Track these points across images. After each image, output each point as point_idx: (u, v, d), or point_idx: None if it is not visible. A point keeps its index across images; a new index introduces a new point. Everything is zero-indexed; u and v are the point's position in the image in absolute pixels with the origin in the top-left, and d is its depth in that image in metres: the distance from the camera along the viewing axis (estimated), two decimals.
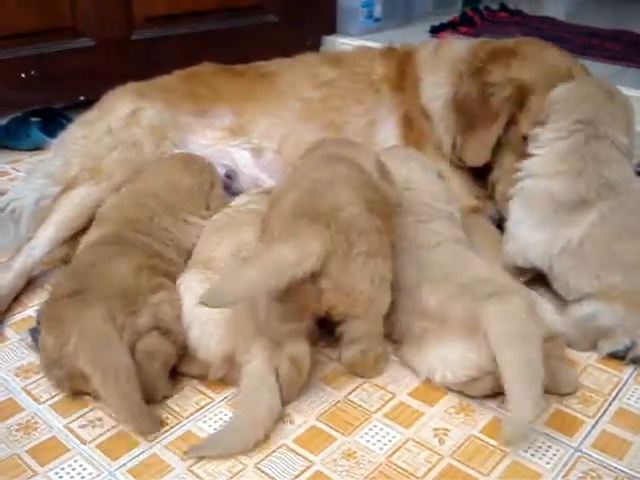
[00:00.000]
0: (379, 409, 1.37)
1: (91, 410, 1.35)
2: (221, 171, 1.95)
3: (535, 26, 3.68)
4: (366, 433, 1.31)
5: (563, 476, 1.22)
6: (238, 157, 1.99)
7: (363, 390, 1.42)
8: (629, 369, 1.48)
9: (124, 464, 1.23)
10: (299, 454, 1.26)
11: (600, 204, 1.53)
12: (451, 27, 3.57)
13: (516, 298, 1.32)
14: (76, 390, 1.36)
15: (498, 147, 1.83)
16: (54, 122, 2.51)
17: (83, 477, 1.21)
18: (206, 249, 1.53)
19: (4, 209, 1.90)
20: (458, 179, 1.89)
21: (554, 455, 1.26)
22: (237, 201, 1.74)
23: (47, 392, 1.40)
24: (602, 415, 1.36)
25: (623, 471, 1.23)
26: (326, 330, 1.46)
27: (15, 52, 2.47)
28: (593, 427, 1.33)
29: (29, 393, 1.40)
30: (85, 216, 1.76)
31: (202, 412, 1.36)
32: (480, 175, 1.90)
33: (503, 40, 1.96)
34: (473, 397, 1.38)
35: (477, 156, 1.84)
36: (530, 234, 1.60)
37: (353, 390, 1.42)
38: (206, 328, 1.34)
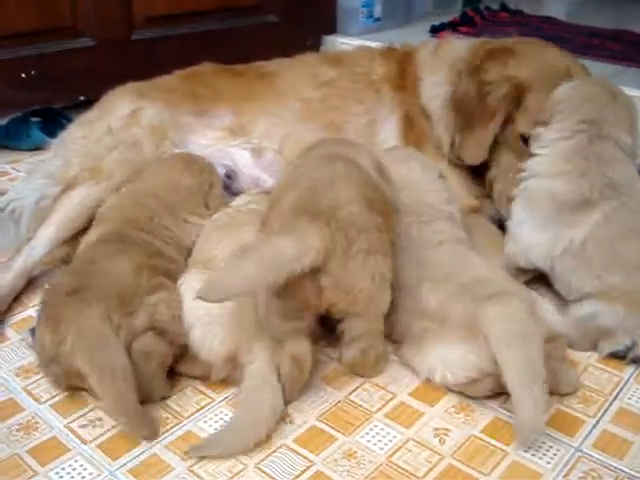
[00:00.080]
0: (380, 409, 1.37)
1: (91, 410, 1.35)
2: (221, 171, 1.95)
3: (536, 26, 3.68)
4: (367, 433, 1.31)
5: (564, 476, 1.22)
6: (238, 157, 1.99)
7: (364, 390, 1.42)
8: (630, 369, 1.48)
9: (124, 464, 1.23)
10: (299, 454, 1.26)
11: (603, 204, 1.53)
12: (451, 27, 3.57)
13: (516, 299, 1.32)
14: (73, 387, 1.36)
15: (495, 145, 1.83)
16: (54, 122, 2.51)
17: (84, 477, 1.21)
18: (206, 248, 1.53)
19: (4, 209, 1.90)
20: (457, 179, 1.89)
21: (555, 455, 1.26)
22: (237, 201, 1.74)
23: (47, 392, 1.40)
24: (603, 415, 1.36)
25: (624, 471, 1.23)
26: (327, 329, 1.46)
27: (15, 52, 2.46)
28: (594, 427, 1.33)
29: (29, 393, 1.40)
30: (85, 216, 1.76)
31: (202, 412, 1.36)
32: (479, 174, 1.90)
33: (503, 39, 1.96)
34: (473, 397, 1.38)
35: (475, 154, 1.84)
36: (532, 235, 1.60)
37: (354, 390, 1.42)
38: (209, 329, 1.34)
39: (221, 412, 1.36)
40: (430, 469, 1.23)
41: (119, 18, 2.69)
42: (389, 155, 1.77)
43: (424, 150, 1.92)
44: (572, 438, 1.30)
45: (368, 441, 1.29)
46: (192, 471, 1.22)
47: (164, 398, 1.37)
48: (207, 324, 1.35)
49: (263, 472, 1.22)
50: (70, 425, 1.32)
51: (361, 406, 1.38)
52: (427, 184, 1.68)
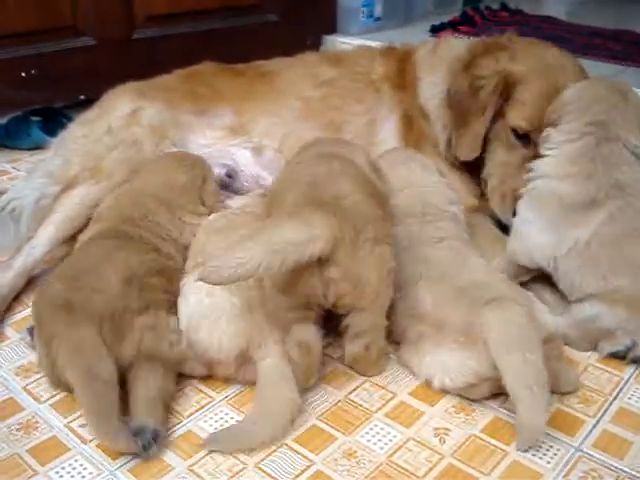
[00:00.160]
0: (380, 409, 1.37)
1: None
2: (221, 170, 1.95)
3: (536, 25, 3.68)
4: (367, 432, 1.31)
5: (564, 476, 1.22)
6: (238, 156, 1.99)
7: (364, 390, 1.42)
8: (630, 369, 1.48)
9: (124, 463, 1.23)
10: (300, 453, 1.26)
11: (609, 204, 1.53)
12: (451, 26, 3.56)
13: (515, 304, 1.32)
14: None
15: (488, 142, 1.83)
16: (54, 121, 2.51)
17: (84, 476, 1.21)
18: (207, 251, 1.52)
19: (4, 208, 1.90)
20: (457, 178, 1.89)
21: (555, 455, 1.26)
22: (234, 203, 1.73)
23: (47, 391, 1.40)
24: (603, 415, 1.36)
25: (624, 471, 1.23)
26: (327, 329, 1.46)
27: (15, 51, 2.46)
28: (594, 427, 1.33)
29: (29, 392, 1.40)
30: (85, 215, 1.76)
31: (203, 411, 1.36)
32: (478, 174, 1.90)
33: (500, 37, 1.96)
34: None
35: (468, 150, 1.84)
36: (538, 235, 1.59)
37: (354, 390, 1.42)
38: (217, 326, 1.33)
39: (221, 411, 1.35)
40: (430, 469, 1.23)
41: (119, 17, 2.69)
42: (389, 157, 1.77)
43: (424, 150, 1.93)
44: (572, 438, 1.30)
45: (368, 440, 1.29)
46: (192, 470, 1.22)
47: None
48: (215, 321, 1.34)
49: (263, 471, 1.22)
50: (70, 424, 1.32)
51: (361, 405, 1.38)
52: (428, 185, 1.68)
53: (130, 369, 1.31)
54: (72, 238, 1.74)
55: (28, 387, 1.42)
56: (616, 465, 1.24)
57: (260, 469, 1.22)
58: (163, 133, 1.92)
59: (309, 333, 1.36)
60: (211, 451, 1.26)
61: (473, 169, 1.89)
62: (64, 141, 1.96)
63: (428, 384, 1.40)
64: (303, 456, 1.25)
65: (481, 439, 1.29)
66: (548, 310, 1.57)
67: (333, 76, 2.06)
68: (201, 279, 1.24)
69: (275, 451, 1.26)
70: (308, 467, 1.23)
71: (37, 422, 1.33)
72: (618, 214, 1.52)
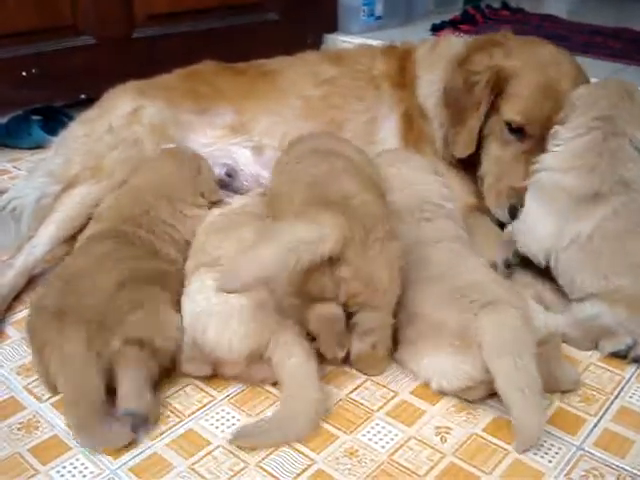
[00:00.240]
0: (381, 407, 1.37)
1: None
2: (221, 170, 1.96)
3: (536, 24, 3.68)
4: (368, 431, 1.31)
5: (565, 474, 1.22)
6: (239, 155, 1.99)
7: (365, 388, 1.42)
8: (631, 368, 1.48)
9: (125, 462, 1.23)
10: (301, 452, 1.26)
11: (613, 199, 1.53)
12: (452, 25, 3.57)
13: (510, 307, 1.32)
14: None
15: (483, 138, 1.83)
16: (55, 120, 2.51)
17: (85, 476, 1.21)
18: (209, 250, 1.52)
19: (5, 207, 1.90)
20: (456, 177, 1.89)
21: (556, 453, 1.26)
22: (234, 203, 1.73)
23: (48, 391, 1.39)
24: (604, 413, 1.36)
25: (625, 469, 1.23)
26: None
27: (16, 50, 2.46)
28: (595, 425, 1.33)
29: (30, 392, 1.40)
30: (86, 215, 1.76)
31: (204, 410, 1.36)
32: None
33: (493, 34, 1.96)
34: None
35: (463, 147, 1.84)
36: (539, 226, 1.60)
37: (355, 389, 1.42)
38: (227, 326, 1.33)
39: (222, 410, 1.35)
40: (431, 467, 1.23)
41: (120, 16, 2.69)
42: (385, 157, 1.78)
43: (423, 149, 1.93)
44: (574, 437, 1.30)
45: (369, 439, 1.29)
46: (193, 469, 1.22)
47: (166, 397, 1.37)
48: (225, 321, 1.33)
49: (264, 470, 1.22)
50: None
51: (362, 404, 1.38)
52: (425, 183, 1.68)
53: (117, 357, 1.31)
54: (73, 237, 1.74)
55: (29, 386, 1.42)
56: (617, 464, 1.24)
57: (261, 468, 1.22)
58: (164, 132, 1.92)
59: (330, 308, 1.35)
60: (212, 450, 1.26)
61: (471, 168, 1.89)
62: (65, 140, 1.96)
63: (428, 383, 1.40)
64: (304, 455, 1.25)
65: (482, 438, 1.29)
66: (543, 310, 1.56)
67: (334, 75, 2.06)
68: (221, 288, 1.24)
69: (276, 450, 1.26)
70: (309, 466, 1.23)
71: (38, 421, 1.33)
72: (621, 210, 1.52)
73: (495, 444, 1.28)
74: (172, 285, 1.47)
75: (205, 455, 1.25)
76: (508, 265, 1.68)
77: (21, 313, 1.64)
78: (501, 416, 1.33)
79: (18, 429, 1.31)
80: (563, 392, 1.39)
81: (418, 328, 1.39)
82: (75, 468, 1.22)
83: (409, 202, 1.62)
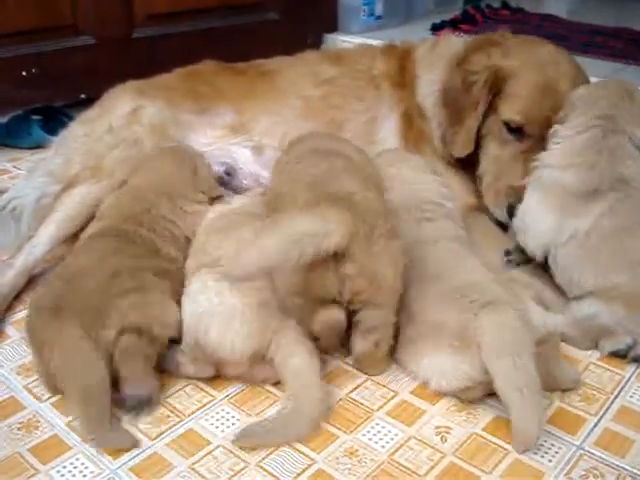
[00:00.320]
0: (381, 407, 1.37)
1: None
2: (220, 168, 1.95)
3: (536, 24, 3.68)
4: (368, 431, 1.31)
5: (565, 474, 1.22)
6: (239, 155, 1.99)
7: (365, 388, 1.42)
8: (631, 367, 1.48)
9: (126, 462, 1.23)
10: (301, 452, 1.26)
11: (610, 196, 1.54)
12: (452, 25, 3.56)
13: (509, 308, 1.32)
14: None
15: (482, 138, 1.83)
16: (55, 120, 2.51)
17: (85, 475, 1.21)
18: (209, 250, 1.52)
19: (5, 207, 1.90)
20: (456, 177, 1.89)
21: (556, 453, 1.26)
22: (234, 203, 1.73)
23: (48, 391, 1.39)
24: (604, 413, 1.36)
25: (625, 469, 1.23)
26: None
27: (16, 50, 2.46)
28: (595, 425, 1.33)
29: (30, 391, 1.40)
30: (86, 214, 1.76)
31: (204, 410, 1.36)
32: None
33: (497, 33, 1.96)
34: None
35: (462, 146, 1.84)
36: (538, 221, 1.61)
37: (355, 388, 1.42)
38: (229, 327, 1.33)
39: (222, 410, 1.35)
40: (432, 467, 1.23)
41: (120, 16, 2.69)
42: (384, 157, 1.78)
43: (423, 148, 1.93)
44: (574, 436, 1.30)
45: (370, 439, 1.29)
46: (193, 469, 1.22)
47: (166, 395, 1.37)
48: (227, 322, 1.33)
49: (265, 470, 1.22)
50: (71, 423, 1.32)
51: (362, 404, 1.37)
52: (423, 182, 1.69)
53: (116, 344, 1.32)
54: (73, 237, 1.74)
55: (29, 386, 1.42)
56: (617, 463, 1.24)
57: (261, 468, 1.22)
58: (164, 132, 1.92)
59: (334, 313, 1.36)
60: (212, 450, 1.26)
61: (470, 168, 1.89)
62: (65, 140, 1.96)
63: (427, 383, 1.40)
64: (304, 455, 1.25)
65: (482, 437, 1.29)
66: (542, 310, 1.56)
67: (334, 75, 2.06)
68: (225, 276, 1.23)
69: (276, 450, 1.26)
70: (309, 466, 1.23)
71: (38, 421, 1.33)
72: (620, 207, 1.53)
73: (495, 444, 1.28)
74: (173, 283, 1.47)
75: (205, 455, 1.25)
76: (508, 253, 1.69)
77: (21, 313, 1.64)
78: (501, 416, 1.33)
79: (18, 429, 1.31)
80: (563, 391, 1.40)
81: (417, 328, 1.39)
82: (75, 468, 1.22)
83: (408, 201, 1.63)
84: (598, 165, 1.57)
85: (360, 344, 1.40)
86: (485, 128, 1.82)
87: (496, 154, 1.81)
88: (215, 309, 1.35)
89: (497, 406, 1.34)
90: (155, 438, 1.28)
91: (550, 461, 1.24)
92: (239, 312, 1.33)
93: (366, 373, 1.45)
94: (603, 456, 1.25)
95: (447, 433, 1.30)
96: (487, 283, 1.41)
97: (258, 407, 1.36)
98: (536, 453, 1.25)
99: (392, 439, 1.29)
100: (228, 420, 1.33)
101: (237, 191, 1.90)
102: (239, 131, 2.00)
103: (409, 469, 1.22)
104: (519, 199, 1.70)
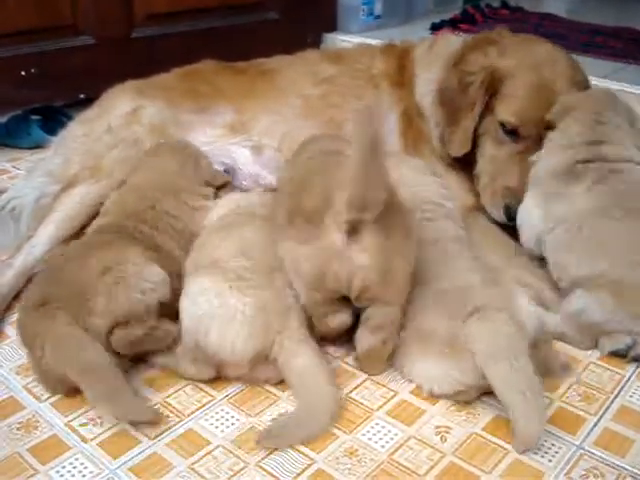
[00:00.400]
0: (381, 407, 1.37)
1: (92, 408, 1.35)
2: (220, 168, 1.95)
3: (536, 23, 3.67)
4: (368, 431, 1.31)
5: (565, 474, 1.21)
6: (238, 154, 1.99)
7: (365, 388, 1.42)
8: (631, 367, 1.48)
9: (125, 462, 1.23)
10: (301, 452, 1.25)
11: (588, 176, 1.59)
12: (452, 24, 3.56)
13: (500, 313, 1.33)
14: (73, 389, 1.35)
15: (479, 137, 1.83)
16: (54, 120, 2.51)
17: (84, 475, 1.21)
18: (208, 252, 1.51)
19: (4, 207, 1.90)
20: (455, 177, 1.89)
21: (556, 453, 1.26)
22: (241, 201, 1.72)
23: (47, 391, 1.39)
24: (604, 413, 1.36)
25: (625, 469, 1.23)
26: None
27: (15, 50, 2.46)
28: (595, 425, 1.33)
29: (30, 391, 1.40)
30: (85, 214, 1.76)
31: (203, 410, 1.35)
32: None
33: (494, 31, 1.95)
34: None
35: (459, 146, 1.84)
36: (532, 212, 1.65)
37: (355, 388, 1.41)
38: (229, 328, 1.32)
39: (222, 410, 1.35)
40: (431, 467, 1.23)
41: (119, 16, 2.69)
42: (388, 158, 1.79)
43: (422, 147, 1.93)
44: (574, 436, 1.30)
45: (369, 439, 1.29)
46: (193, 469, 1.22)
47: (166, 396, 1.37)
48: (227, 323, 1.32)
49: (264, 470, 1.22)
50: (71, 423, 1.32)
51: (362, 404, 1.37)
52: (423, 183, 1.69)
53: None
54: (72, 237, 1.74)
55: (28, 386, 1.41)
56: (617, 463, 1.24)
57: (261, 467, 1.22)
58: (164, 132, 1.92)
59: (342, 316, 1.39)
60: (212, 450, 1.26)
61: (469, 168, 1.89)
62: (64, 140, 1.96)
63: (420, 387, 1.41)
64: (304, 454, 1.25)
65: (482, 437, 1.29)
66: (542, 310, 1.56)
67: (333, 74, 2.06)
68: None
69: (276, 449, 1.25)
70: (309, 465, 1.23)
71: (37, 421, 1.32)
72: (601, 191, 1.57)
73: (495, 443, 1.28)
74: (171, 278, 1.48)
75: (205, 455, 1.25)
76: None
77: None
78: (501, 415, 1.33)
79: (17, 429, 1.30)
80: (561, 379, 1.41)
81: (409, 333, 1.40)
82: (75, 468, 1.22)
83: (408, 202, 1.62)
84: (582, 148, 1.63)
85: (367, 340, 1.40)
86: (482, 128, 1.82)
87: (492, 154, 1.81)
88: (215, 311, 1.34)
89: (497, 406, 1.34)
90: (154, 438, 1.28)
91: (550, 461, 1.24)
92: (239, 313, 1.33)
93: (366, 372, 1.45)
94: (603, 456, 1.25)
95: (447, 433, 1.30)
96: (477, 286, 1.41)
97: (258, 407, 1.36)
98: (536, 453, 1.25)
99: (392, 439, 1.29)
100: (228, 420, 1.33)
101: (236, 191, 1.89)
102: (239, 130, 2.00)
103: (409, 469, 1.22)
104: (516, 200, 1.71)
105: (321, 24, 3.40)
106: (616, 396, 1.40)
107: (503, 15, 3.88)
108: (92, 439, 1.28)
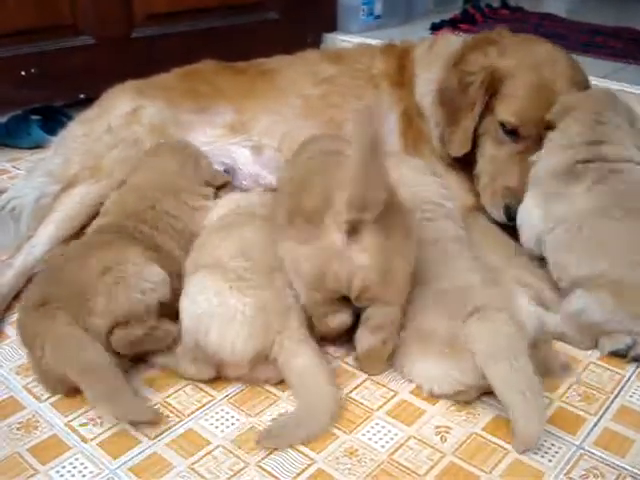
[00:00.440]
0: (381, 407, 1.37)
1: (92, 408, 1.35)
2: (220, 168, 1.95)
3: (536, 23, 3.67)
4: (368, 431, 1.31)
5: (565, 474, 1.21)
6: (238, 154, 1.99)
7: (365, 388, 1.42)
8: (631, 367, 1.48)
9: (125, 462, 1.23)
10: (301, 452, 1.25)
11: (588, 176, 1.59)
12: (452, 24, 3.56)
13: (499, 313, 1.33)
14: (73, 389, 1.36)
15: (478, 137, 1.83)
16: (54, 120, 2.51)
17: (84, 475, 1.21)
18: (208, 251, 1.51)
19: (4, 207, 1.90)
20: (455, 177, 1.89)
21: (556, 453, 1.25)
22: (241, 201, 1.72)
23: (47, 391, 1.39)
24: (604, 413, 1.36)
25: (625, 469, 1.22)
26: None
27: (15, 50, 2.46)
28: (595, 425, 1.33)
29: (30, 391, 1.40)
30: (85, 214, 1.76)
31: (203, 410, 1.35)
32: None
33: (489, 32, 1.95)
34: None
35: (458, 146, 1.84)
36: (530, 214, 1.65)
37: (355, 388, 1.41)
38: (229, 328, 1.32)
39: (222, 410, 1.35)
40: (431, 467, 1.23)
41: (119, 16, 2.69)
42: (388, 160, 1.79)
43: (422, 147, 1.93)
44: (574, 436, 1.30)
45: (369, 439, 1.29)
46: (193, 469, 1.22)
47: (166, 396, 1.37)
48: (227, 323, 1.32)
49: (264, 470, 1.22)
50: (71, 423, 1.32)
51: (362, 404, 1.37)
52: (423, 183, 1.70)
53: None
54: (72, 237, 1.74)
55: (28, 386, 1.41)
56: (617, 463, 1.24)
57: (261, 468, 1.22)
58: (164, 132, 1.92)
59: (343, 317, 1.40)
60: (212, 450, 1.26)
61: (469, 168, 1.89)
62: (64, 140, 1.96)
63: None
64: (304, 454, 1.25)
65: (482, 437, 1.29)
66: (542, 310, 1.57)
67: (333, 74, 2.06)
68: None
69: (276, 449, 1.25)
70: (309, 465, 1.23)
71: (37, 421, 1.32)
72: (601, 192, 1.57)
73: (495, 443, 1.28)
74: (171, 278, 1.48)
75: (205, 455, 1.25)
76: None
77: None
78: (501, 415, 1.33)
79: (17, 429, 1.30)
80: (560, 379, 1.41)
81: (409, 333, 1.40)
82: (75, 468, 1.22)
83: (408, 202, 1.62)
84: (582, 148, 1.64)
85: (367, 340, 1.40)
86: (482, 128, 1.82)
87: (492, 154, 1.81)
88: (214, 310, 1.34)
89: (497, 406, 1.34)
90: (154, 438, 1.28)
91: (550, 461, 1.24)
92: (239, 313, 1.33)
93: (366, 372, 1.45)
94: (603, 456, 1.25)
95: (447, 433, 1.30)
96: (477, 286, 1.41)
97: (258, 407, 1.36)
98: (536, 453, 1.25)
99: (392, 439, 1.29)
100: (228, 420, 1.33)
101: (236, 191, 1.89)
102: (239, 130, 2.00)
103: (409, 469, 1.22)
104: (516, 200, 1.71)
105: (321, 24, 3.40)
106: (616, 396, 1.40)
107: (503, 15, 3.88)
108: (92, 439, 1.28)
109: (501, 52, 1.80)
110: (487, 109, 1.79)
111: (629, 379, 1.45)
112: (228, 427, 1.31)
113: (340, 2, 3.45)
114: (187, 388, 1.40)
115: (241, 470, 1.22)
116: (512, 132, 1.77)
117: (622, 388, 1.42)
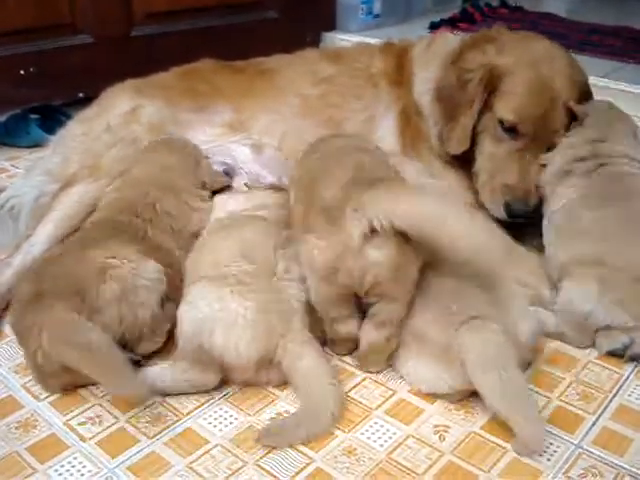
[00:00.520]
0: (380, 406, 1.37)
1: (91, 407, 1.35)
2: (220, 168, 1.95)
3: (535, 22, 3.67)
4: (366, 430, 1.31)
5: (564, 473, 1.22)
6: (238, 153, 1.99)
7: (364, 387, 1.42)
8: (630, 366, 1.48)
9: (123, 461, 1.23)
10: (299, 451, 1.25)
11: (581, 171, 1.65)
12: (451, 23, 3.56)
13: (490, 322, 1.32)
14: (68, 385, 1.36)
15: (477, 135, 1.83)
16: (53, 119, 2.50)
17: (83, 474, 1.21)
18: (208, 249, 1.51)
19: (3, 206, 1.90)
20: (455, 176, 1.89)
21: (555, 452, 1.26)
22: (250, 201, 1.71)
23: (44, 389, 1.39)
24: (603, 412, 1.36)
25: (624, 468, 1.23)
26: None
27: (14, 49, 2.46)
28: (594, 424, 1.33)
29: (28, 390, 1.40)
30: (84, 213, 1.76)
31: (202, 409, 1.35)
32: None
33: (492, 29, 1.95)
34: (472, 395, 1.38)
35: (457, 144, 1.83)
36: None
37: (354, 387, 1.42)
38: (232, 331, 1.31)
39: (220, 409, 1.35)
40: (430, 466, 1.23)
41: (118, 15, 2.69)
42: None
43: (420, 146, 1.93)
44: (572, 435, 1.30)
45: (368, 438, 1.29)
46: (191, 468, 1.22)
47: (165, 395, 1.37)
48: (230, 327, 1.32)
49: (263, 469, 1.22)
50: (69, 422, 1.32)
51: (361, 403, 1.37)
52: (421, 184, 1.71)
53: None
54: (71, 236, 1.74)
55: (27, 385, 1.41)
56: (616, 462, 1.24)
57: (259, 467, 1.22)
58: (162, 131, 1.91)
59: (350, 327, 1.43)
60: (210, 449, 1.26)
61: (468, 165, 1.89)
62: (63, 139, 1.96)
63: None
64: (303, 453, 1.25)
65: (481, 436, 1.29)
66: (541, 310, 1.57)
67: (332, 73, 2.06)
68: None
69: (275, 448, 1.25)
70: (308, 464, 1.23)
71: (36, 420, 1.32)
72: (583, 184, 1.63)
73: (493, 442, 1.28)
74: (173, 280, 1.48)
75: (203, 454, 1.25)
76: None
77: None
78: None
79: (16, 428, 1.30)
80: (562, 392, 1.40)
81: (404, 334, 1.40)
82: (73, 467, 1.22)
83: None
84: (582, 146, 1.70)
85: (371, 335, 1.40)
86: (481, 125, 1.82)
87: (491, 151, 1.81)
88: (216, 314, 1.33)
89: None
90: (153, 437, 1.28)
91: (549, 460, 1.24)
92: (240, 317, 1.32)
93: (366, 370, 1.45)
94: (602, 455, 1.25)
95: (445, 432, 1.30)
96: (470, 291, 1.40)
97: (256, 406, 1.36)
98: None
99: (390, 438, 1.29)
100: (226, 419, 1.33)
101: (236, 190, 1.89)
102: (238, 129, 2.00)
103: (407, 468, 1.22)
104: (515, 197, 1.71)
105: (320, 23, 3.40)
106: (614, 395, 1.40)
107: (502, 14, 3.88)
108: (90, 438, 1.28)
109: (499, 49, 1.80)
110: (486, 106, 1.79)
111: (627, 378, 1.45)
112: (226, 426, 1.31)
113: (339, 1, 3.45)
114: None
115: (239, 469, 1.22)
116: (511, 129, 1.76)
117: (620, 387, 1.42)
